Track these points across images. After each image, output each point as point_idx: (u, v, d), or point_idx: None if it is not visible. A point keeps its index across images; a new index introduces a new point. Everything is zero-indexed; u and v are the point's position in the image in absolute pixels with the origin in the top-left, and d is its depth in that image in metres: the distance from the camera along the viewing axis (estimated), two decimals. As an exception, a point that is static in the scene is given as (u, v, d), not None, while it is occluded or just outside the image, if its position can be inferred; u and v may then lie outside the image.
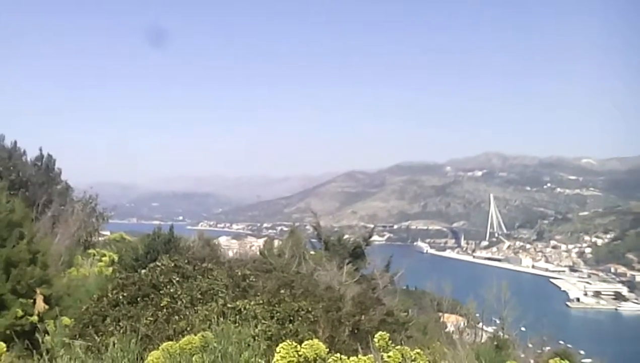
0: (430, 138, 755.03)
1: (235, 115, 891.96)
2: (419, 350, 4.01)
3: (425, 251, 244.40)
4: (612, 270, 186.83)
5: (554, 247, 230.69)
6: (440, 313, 28.76)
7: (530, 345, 22.16)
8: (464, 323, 25.78)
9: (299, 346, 3.93)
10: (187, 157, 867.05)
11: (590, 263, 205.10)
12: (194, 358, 4.50)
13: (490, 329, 25.91)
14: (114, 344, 4.53)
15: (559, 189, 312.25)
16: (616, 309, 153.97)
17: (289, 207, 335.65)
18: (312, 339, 4.00)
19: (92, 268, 20.02)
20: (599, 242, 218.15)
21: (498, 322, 26.17)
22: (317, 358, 3.88)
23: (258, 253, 22.06)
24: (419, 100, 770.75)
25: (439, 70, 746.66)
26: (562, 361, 3.84)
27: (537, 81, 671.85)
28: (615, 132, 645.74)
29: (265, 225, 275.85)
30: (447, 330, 23.19)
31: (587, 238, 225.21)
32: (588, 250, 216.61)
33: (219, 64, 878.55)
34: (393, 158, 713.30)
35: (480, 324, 26.37)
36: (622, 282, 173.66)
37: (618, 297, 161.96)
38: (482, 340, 21.14)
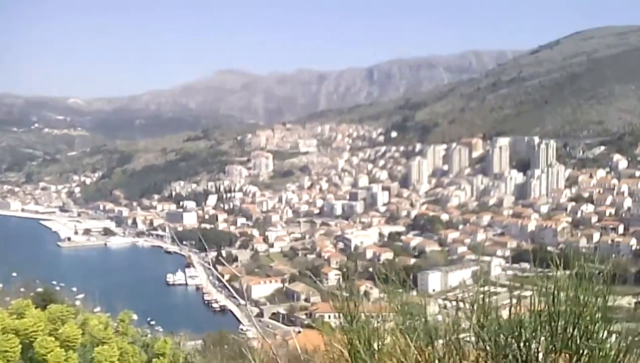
0: None
1: None
2: None
3: None
4: (101, 207, 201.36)
5: (43, 189, 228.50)
6: None
7: (22, 290, 20.45)
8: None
9: None
10: None
11: (79, 203, 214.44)
12: None
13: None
14: None
15: (46, 129, 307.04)
16: (105, 244, 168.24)
17: None
18: None
19: None
20: (88, 181, 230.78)
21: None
22: None
23: None
24: None
25: None
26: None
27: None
28: (103, 73, 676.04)
29: None
30: None
31: (76, 178, 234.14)
32: (77, 189, 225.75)
33: None
34: None
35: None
36: (111, 218, 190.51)
37: (107, 232, 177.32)
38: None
